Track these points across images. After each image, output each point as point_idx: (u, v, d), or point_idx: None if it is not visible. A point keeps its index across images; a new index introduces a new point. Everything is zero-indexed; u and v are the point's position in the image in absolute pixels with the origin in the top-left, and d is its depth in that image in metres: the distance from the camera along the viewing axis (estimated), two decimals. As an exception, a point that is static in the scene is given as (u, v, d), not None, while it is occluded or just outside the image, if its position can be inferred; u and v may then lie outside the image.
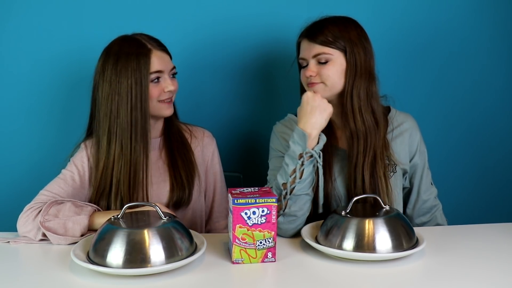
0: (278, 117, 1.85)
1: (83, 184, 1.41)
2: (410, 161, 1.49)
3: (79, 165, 1.42)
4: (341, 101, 1.41)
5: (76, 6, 1.75)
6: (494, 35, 1.95)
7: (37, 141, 1.80)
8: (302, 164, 1.30)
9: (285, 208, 1.32)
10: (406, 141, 1.48)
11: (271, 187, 1.39)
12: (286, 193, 1.32)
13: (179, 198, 1.44)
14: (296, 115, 1.53)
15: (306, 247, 1.24)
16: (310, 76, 1.39)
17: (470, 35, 1.93)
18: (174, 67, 1.44)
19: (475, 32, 1.93)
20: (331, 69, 1.37)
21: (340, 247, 1.17)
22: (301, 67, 1.46)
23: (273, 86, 1.89)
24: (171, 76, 1.43)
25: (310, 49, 1.39)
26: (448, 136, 1.99)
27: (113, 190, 1.37)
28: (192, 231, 1.25)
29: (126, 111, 1.35)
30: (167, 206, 1.43)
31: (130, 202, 1.33)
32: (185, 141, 1.51)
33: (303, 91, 1.47)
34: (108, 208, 1.38)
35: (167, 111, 1.43)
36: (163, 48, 1.43)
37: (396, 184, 1.45)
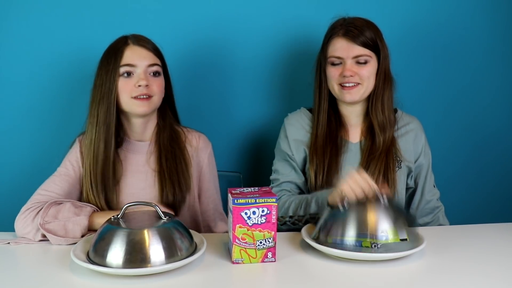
0: (278, 117, 1.85)
1: (78, 179, 1.40)
2: (415, 162, 1.54)
3: (73, 160, 1.42)
4: (366, 101, 1.49)
5: (76, 7, 1.74)
6: (491, 33, 1.95)
7: (35, 141, 1.80)
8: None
9: (282, 221, 1.39)
10: (411, 140, 1.53)
11: (279, 197, 1.45)
12: (289, 221, 1.38)
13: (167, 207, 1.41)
14: (307, 109, 1.58)
15: (306, 247, 1.24)
16: (350, 76, 1.42)
17: (467, 33, 1.93)
18: (154, 65, 1.38)
19: (472, 30, 1.93)
20: (369, 70, 1.44)
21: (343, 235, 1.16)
22: (328, 64, 1.47)
23: (273, 86, 1.89)
24: (151, 74, 1.38)
25: (350, 49, 1.42)
26: (446, 135, 1.99)
27: (91, 181, 1.36)
28: (192, 231, 1.25)
29: (96, 103, 1.36)
30: None
31: (102, 197, 1.35)
32: (182, 148, 1.46)
33: (323, 88, 1.50)
34: (98, 204, 1.37)
35: (140, 109, 1.36)
36: (144, 44, 1.38)
37: (401, 178, 1.49)
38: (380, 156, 1.45)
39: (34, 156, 1.80)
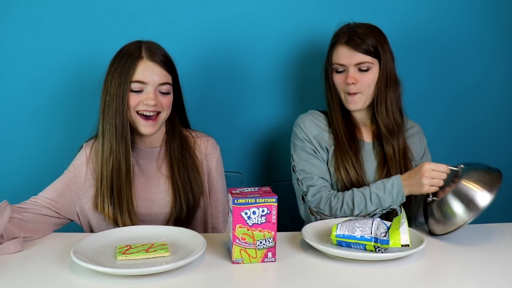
0: (278, 118, 1.86)
1: (74, 182, 1.40)
2: (420, 160, 1.59)
3: (76, 164, 1.42)
4: (371, 104, 1.52)
5: (86, 12, 1.75)
6: (492, 36, 1.95)
7: (40, 145, 1.81)
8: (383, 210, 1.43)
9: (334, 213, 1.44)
10: (418, 141, 1.60)
11: (326, 200, 1.46)
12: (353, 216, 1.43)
13: (179, 218, 1.43)
14: (318, 111, 1.60)
15: (306, 247, 1.24)
16: (353, 83, 1.46)
17: (468, 36, 1.94)
18: (165, 84, 1.37)
19: (473, 32, 1.93)
20: (370, 78, 1.47)
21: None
22: (333, 71, 1.51)
23: (273, 87, 1.90)
24: (160, 92, 1.37)
25: (352, 57, 1.46)
26: (446, 136, 1.99)
27: (107, 191, 1.36)
28: (192, 231, 1.25)
29: (113, 112, 1.35)
30: (167, 221, 1.43)
31: (119, 204, 1.35)
32: (192, 155, 1.47)
33: (333, 93, 1.54)
34: (106, 209, 1.37)
35: (145, 129, 1.37)
36: (157, 59, 1.36)
37: None
38: (399, 162, 1.51)
39: (36, 159, 1.80)
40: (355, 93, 1.48)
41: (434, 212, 1.34)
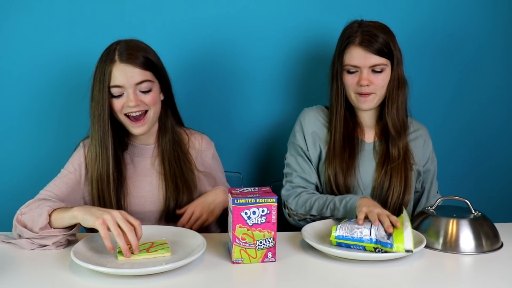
0: (278, 117, 1.85)
1: (78, 182, 1.40)
2: (423, 166, 1.58)
3: (76, 163, 1.42)
4: (379, 105, 1.51)
5: (77, 9, 1.74)
6: (490, 34, 1.95)
7: (36, 142, 1.79)
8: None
9: (301, 218, 1.44)
10: (421, 145, 1.57)
11: (295, 195, 1.47)
12: (309, 218, 1.43)
13: (169, 213, 1.43)
14: (324, 106, 1.60)
15: (306, 247, 1.24)
16: (367, 85, 1.44)
17: (466, 34, 1.94)
18: (143, 82, 1.34)
19: (471, 31, 1.93)
20: (384, 79, 1.46)
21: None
22: (344, 72, 1.49)
23: (272, 86, 1.89)
24: (141, 91, 1.35)
25: (367, 59, 1.44)
26: (446, 136, 1.99)
27: (96, 197, 1.37)
28: (192, 231, 1.25)
29: (97, 118, 1.36)
30: (160, 218, 1.43)
31: (108, 202, 1.36)
32: (184, 150, 1.48)
33: (340, 94, 1.51)
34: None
35: (136, 130, 1.38)
36: (131, 60, 1.33)
37: (413, 182, 1.53)
38: (401, 164, 1.49)
39: (33, 157, 1.80)
40: (368, 94, 1.46)
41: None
